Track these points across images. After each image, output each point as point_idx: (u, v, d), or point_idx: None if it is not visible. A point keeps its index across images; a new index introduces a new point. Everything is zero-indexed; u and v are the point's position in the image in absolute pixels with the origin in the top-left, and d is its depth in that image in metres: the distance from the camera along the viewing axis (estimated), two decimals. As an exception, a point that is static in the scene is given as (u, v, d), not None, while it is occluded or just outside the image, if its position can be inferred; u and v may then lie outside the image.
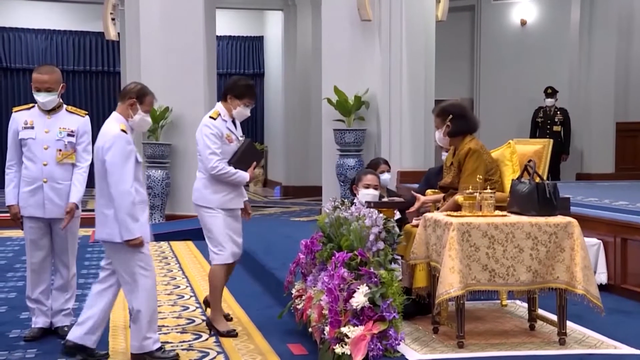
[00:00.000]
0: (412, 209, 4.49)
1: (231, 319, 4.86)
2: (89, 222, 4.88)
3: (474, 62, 12.45)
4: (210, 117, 4.58)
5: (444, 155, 5.05)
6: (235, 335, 4.54)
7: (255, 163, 4.71)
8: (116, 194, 3.91)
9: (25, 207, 4.47)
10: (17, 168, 4.52)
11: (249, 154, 4.66)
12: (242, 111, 4.66)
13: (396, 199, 4.95)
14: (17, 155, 4.52)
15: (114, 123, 4.04)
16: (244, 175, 4.59)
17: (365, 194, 4.68)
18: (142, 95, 4.10)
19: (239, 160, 4.56)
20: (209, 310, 4.78)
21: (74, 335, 4.09)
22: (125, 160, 3.93)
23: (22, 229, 4.58)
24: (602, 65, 11.24)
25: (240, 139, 4.68)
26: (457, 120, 4.34)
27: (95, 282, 4.27)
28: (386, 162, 5.47)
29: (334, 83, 8.61)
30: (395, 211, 4.59)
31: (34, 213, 4.46)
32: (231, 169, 4.52)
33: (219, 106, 4.66)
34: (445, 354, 3.68)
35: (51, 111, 4.53)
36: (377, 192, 4.79)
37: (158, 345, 4.08)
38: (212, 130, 4.52)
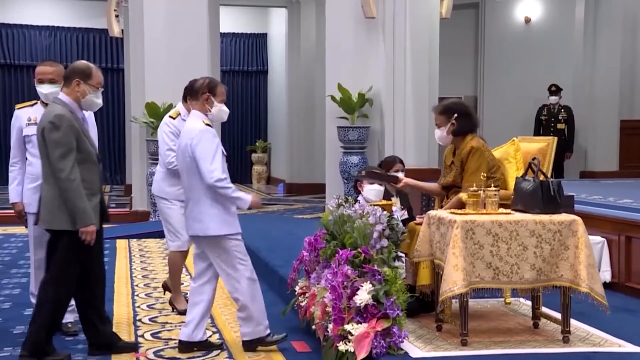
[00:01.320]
0: (397, 186, 4.50)
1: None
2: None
3: (478, 59, 12.43)
4: (170, 116, 5.01)
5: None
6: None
7: None
8: (212, 184, 3.99)
9: (30, 204, 4.48)
10: (21, 165, 4.53)
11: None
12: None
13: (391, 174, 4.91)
14: (21, 153, 4.53)
15: (196, 120, 4.15)
16: None
17: (370, 190, 4.68)
18: (213, 88, 4.22)
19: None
20: (167, 293, 5.29)
21: (185, 334, 4.18)
22: (215, 152, 4.02)
23: (27, 226, 4.58)
24: (606, 62, 11.20)
25: None
26: (462, 118, 4.33)
27: (192, 280, 4.33)
28: (401, 162, 5.39)
29: (337, 80, 8.61)
30: (403, 210, 4.60)
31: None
32: None
33: (180, 106, 5.05)
34: (448, 352, 3.68)
35: (54, 107, 4.53)
36: (381, 188, 4.78)
37: (268, 331, 4.21)
38: (170, 129, 4.92)
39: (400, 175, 4.68)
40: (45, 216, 3.98)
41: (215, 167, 4.00)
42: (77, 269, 4.01)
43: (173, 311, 5.11)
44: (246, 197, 4.16)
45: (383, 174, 4.74)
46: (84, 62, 4.15)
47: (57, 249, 3.97)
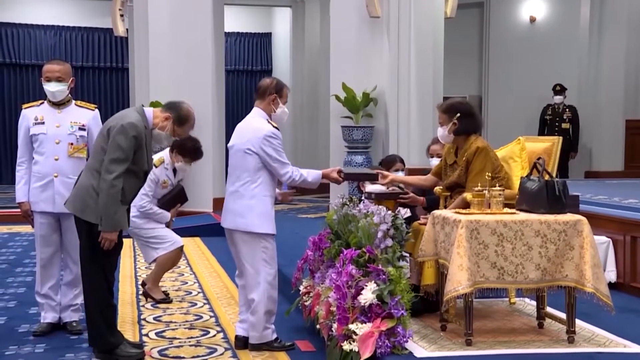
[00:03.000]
0: (381, 182, 4.49)
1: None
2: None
3: (482, 59, 12.41)
4: (153, 164, 5.03)
5: (433, 162, 5.07)
6: (170, 301, 5.38)
7: (178, 205, 5.62)
8: (290, 182, 4.17)
9: (37, 203, 4.50)
10: (28, 165, 4.54)
11: (177, 198, 5.55)
12: (183, 167, 5.51)
13: (396, 188, 4.92)
14: (28, 152, 4.54)
15: (261, 120, 4.20)
16: (166, 215, 5.45)
17: (372, 189, 4.67)
18: (280, 89, 4.28)
19: (167, 202, 5.45)
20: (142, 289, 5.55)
21: (252, 337, 4.20)
22: (282, 154, 4.17)
23: (33, 226, 4.60)
24: (611, 62, 11.18)
25: (174, 184, 5.51)
26: (465, 118, 4.33)
27: (236, 277, 4.39)
28: (402, 161, 5.42)
29: (342, 80, 8.60)
30: (406, 209, 4.59)
31: (45, 208, 4.49)
32: (156, 209, 5.38)
33: (165, 154, 5.44)
34: (453, 352, 3.67)
35: (61, 105, 4.55)
36: (383, 187, 4.77)
37: (275, 335, 4.22)
38: (151, 177, 5.13)
39: (384, 172, 4.62)
40: (78, 204, 4.01)
41: (287, 168, 4.17)
42: (101, 264, 4.02)
43: (148, 302, 5.39)
44: (317, 174, 4.28)
45: (361, 173, 4.69)
46: (189, 109, 4.19)
47: (85, 239, 4.01)
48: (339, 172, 4.33)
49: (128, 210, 4.15)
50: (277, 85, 4.28)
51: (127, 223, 4.16)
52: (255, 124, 4.20)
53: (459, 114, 4.32)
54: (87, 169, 4.05)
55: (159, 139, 4.15)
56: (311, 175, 4.22)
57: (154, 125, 4.07)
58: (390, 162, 5.32)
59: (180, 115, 4.10)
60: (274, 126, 4.18)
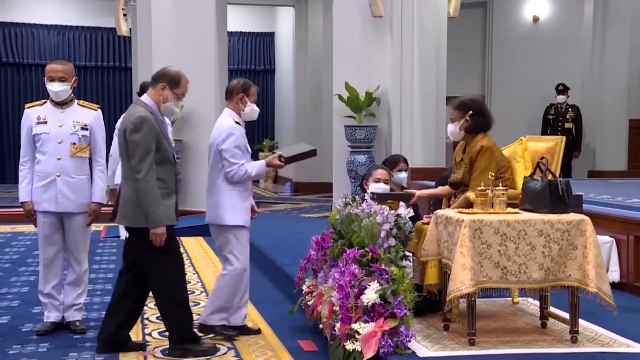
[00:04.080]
0: (411, 202, 4.52)
1: None
2: (102, 217, 4.92)
3: (485, 58, 12.40)
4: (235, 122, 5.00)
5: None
6: None
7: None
8: (237, 178, 4.33)
9: (39, 202, 4.50)
10: (31, 164, 4.54)
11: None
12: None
13: (403, 191, 4.93)
14: (31, 152, 4.54)
15: (227, 117, 4.43)
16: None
17: (376, 188, 4.68)
18: (247, 88, 4.48)
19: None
20: None
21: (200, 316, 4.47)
22: (234, 151, 4.32)
23: (36, 225, 4.60)
24: (615, 61, 11.15)
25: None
26: (477, 116, 4.31)
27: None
28: (405, 161, 5.42)
29: (345, 79, 8.59)
30: (408, 207, 4.58)
31: (47, 208, 4.49)
32: None
33: None
34: (456, 352, 3.67)
35: (64, 105, 4.55)
36: (387, 187, 4.78)
37: (222, 323, 4.42)
38: None
39: (412, 190, 4.64)
40: (125, 213, 4.08)
41: (233, 166, 4.32)
42: (169, 261, 4.08)
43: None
44: (260, 165, 4.43)
45: (397, 194, 4.71)
46: (175, 69, 4.21)
47: (145, 246, 4.02)
48: (280, 157, 4.51)
49: (177, 203, 4.18)
50: (244, 84, 4.48)
51: (176, 216, 4.16)
52: (221, 122, 4.45)
53: (471, 112, 4.31)
54: (124, 178, 4.13)
55: (169, 110, 4.19)
56: (255, 168, 4.40)
57: (156, 103, 4.10)
58: (394, 162, 5.30)
59: (171, 78, 4.13)
60: (236, 122, 4.40)
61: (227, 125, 4.36)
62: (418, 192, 4.57)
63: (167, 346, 4.19)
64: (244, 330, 4.51)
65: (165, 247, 4.01)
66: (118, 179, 5.74)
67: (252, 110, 4.49)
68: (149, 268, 4.08)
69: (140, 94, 4.96)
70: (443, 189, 4.66)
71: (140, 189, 3.93)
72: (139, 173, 3.92)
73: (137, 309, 4.26)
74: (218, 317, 4.40)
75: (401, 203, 4.41)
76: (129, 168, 4.01)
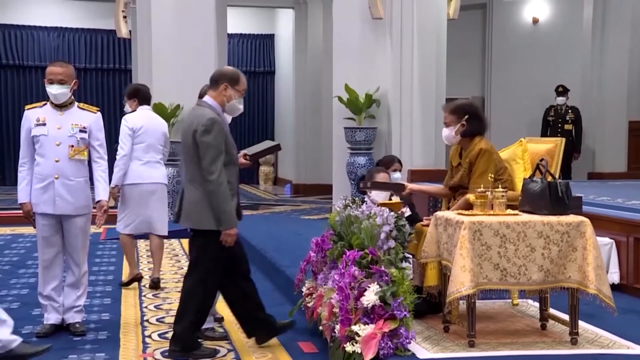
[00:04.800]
0: (402, 193, 4.57)
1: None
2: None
3: (485, 60, 12.41)
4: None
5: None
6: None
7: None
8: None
9: (38, 204, 4.50)
10: (30, 166, 4.55)
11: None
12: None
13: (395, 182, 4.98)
14: (30, 153, 4.54)
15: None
16: None
17: (378, 193, 4.69)
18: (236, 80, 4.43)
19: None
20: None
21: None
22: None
23: (35, 227, 4.60)
24: (615, 63, 11.16)
25: None
26: (473, 120, 4.32)
27: None
28: (399, 161, 5.55)
29: (344, 81, 8.60)
30: (405, 208, 4.60)
31: (46, 210, 4.49)
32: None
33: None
34: (456, 353, 3.67)
35: (63, 107, 4.55)
36: (387, 192, 4.79)
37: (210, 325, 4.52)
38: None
39: (403, 180, 4.72)
40: (191, 216, 4.09)
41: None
42: (222, 269, 4.13)
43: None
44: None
45: (388, 184, 4.77)
46: (232, 68, 4.28)
47: (205, 249, 4.07)
48: (244, 155, 4.52)
49: (239, 205, 4.20)
50: (234, 74, 4.42)
51: (239, 218, 4.17)
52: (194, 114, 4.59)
53: (467, 116, 4.31)
54: (188, 182, 4.12)
55: (234, 108, 4.22)
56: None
57: (220, 104, 4.13)
58: (389, 162, 5.42)
59: (230, 77, 4.18)
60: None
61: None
62: (410, 185, 4.64)
63: (167, 348, 4.19)
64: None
65: (223, 254, 4.06)
66: (130, 179, 5.75)
67: (233, 105, 4.42)
68: (197, 270, 4.11)
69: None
70: (434, 187, 4.74)
71: (213, 190, 3.94)
72: (212, 175, 3.93)
73: (252, 290, 4.32)
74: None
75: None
76: (197, 170, 4.00)
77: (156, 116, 6.20)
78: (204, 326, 4.38)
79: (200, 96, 4.52)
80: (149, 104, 6.11)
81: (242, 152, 4.62)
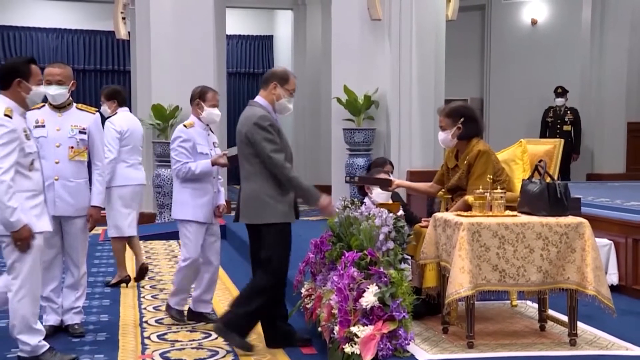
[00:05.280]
0: (389, 188, 4.64)
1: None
2: (101, 221, 4.95)
3: (484, 61, 12.41)
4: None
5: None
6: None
7: None
8: (182, 175, 4.75)
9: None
10: (28, 167, 4.54)
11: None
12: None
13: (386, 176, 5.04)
14: (29, 154, 4.53)
15: (186, 121, 4.88)
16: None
17: (379, 193, 4.72)
18: (203, 94, 4.87)
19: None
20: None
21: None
22: (179, 153, 4.79)
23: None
24: (613, 64, 11.17)
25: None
26: (468, 123, 4.33)
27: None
28: (391, 163, 5.69)
29: (343, 82, 8.60)
30: (402, 209, 4.62)
31: (46, 211, 4.48)
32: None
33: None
34: (455, 354, 3.67)
35: (62, 109, 4.55)
36: (388, 193, 4.79)
37: (178, 308, 4.94)
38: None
39: (391, 177, 4.78)
40: (248, 213, 4.14)
41: (177, 164, 4.75)
42: (288, 260, 4.18)
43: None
44: (205, 163, 4.77)
45: (376, 178, 4.82)
46: (282, 67, 4.34)
47: (269, 244, 4.12)
48: (223, 155, 4.86)
49: (296, 201, 4.24)
50: (201, 91, 4.89)
51: (296, 214, 4.26)
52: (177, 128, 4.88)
53: (463, 119, 4.32)
54: (245, 178, 4.18)
55: (284, 107, 4.27)
56: (200, 166, 4.75)
57: (270, 104, 4.18)
58: (381, 164, 5.54)
59: (280, 76, 4.23)
60: (185, 126, 4.84)
61: (177, 129, 4.87)
62: (397, 181, 4.68)
63: (166, 349, 4.19)
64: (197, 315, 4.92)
65: (284, 245, 4.14)
66: (119, 181, 5.81)
67: (209, 114, 4.85)
68: (270, 267, 4.14)
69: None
70: (421, 184, 4.81)
71: (287, 175, 4.05)
72: (279, 162, 4.03)
73: (282, 298, 4.38)
74: (175, 300, 4.89)
75: (379, 190, 4.59)
76: (250, 167, 4.09)
77: (135, 118, 6.36)
78: (177, 307, 4.87)
79: (196, 97, 4.82)
80: (127, 106, 6.18)
81: (223, 152, 4.92)
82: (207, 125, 4.91)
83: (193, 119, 4.87)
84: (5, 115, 3.75)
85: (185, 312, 4.95)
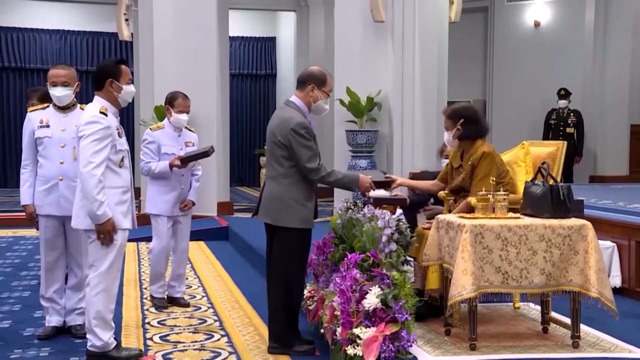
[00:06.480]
0: (391, 187, 4.60)
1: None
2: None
3: (487, 63, 12.41)
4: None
5: (444, 162, 5.12)
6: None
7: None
8: (144, 173, 5.27)
9: (42, 206, 4.51)
10: (32, 168, 4.55)
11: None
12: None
13: (399, 194, 5.00)
14: (32, 155, 4.55)
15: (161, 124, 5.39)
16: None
17: (376, 193, 4.69)
18: (172, 100, 5.32)
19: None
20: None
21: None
22: (145, 152, 5.29)
23: (37, 229, 4.61)
24: (616, 66, 11.17)
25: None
26: (468, 124, 4.34)
27: None
28: (384, 173, 5.73)
29: (346, 84, 8.60)
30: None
31: (50, 211, 4.49)
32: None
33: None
34: (457, 356, 3.67)
35: (66, 109, 4.56)
36: (387, 193, 4.78)
37: (161, 295, 5.42)
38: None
39: (393, 176, 4.78)
40: (271, 213, 4.14)
41: (141, 163, 5.30)
42: (298, 265, 4.17)
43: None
44: (163, 164, 5.23)
45: (394, 199, 4.76)
46: (319, 68, 4.29)
47: (288, 249, 4.10)
48: (178, 157, 5.19)
49: (316, 205, 4.27)
50: (171, 97, 5.31)
51: (316, 214, 4.26)
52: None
53: (462, 120, 4.33)
54: (271, 178, 4.17)
55: (321, 109, 4.24)
56: (159, 166, 5.21)
57: (306, 105, 4.18)
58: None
59: (318, 78, 4.20)
60: (151, 129, 5.33)
61: (145, 132, 5.39)
62: (399, 180, 4.67)
63: (168, 350, 4.19)
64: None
65: (305, 253, 4.15)
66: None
67: (175, 119, 5.29)
68: (280, 270, 4.13)
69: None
70: (423, 182, 4.81)
71: (325, 178, 4.09)
72: (315, 167, 4.04)
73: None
74: (155, 287, 5.36)
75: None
76: (279, 167, 4.09)
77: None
78: (157, 295, 5.33)
79: (166, 102, 5.30)
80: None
81: (178, 155, 5.22)
82: (178, 127, 5.33)
83: (165, 121, 5.36)
84: (101, 112, 3.94)
85: (166, 299, 5.40)
